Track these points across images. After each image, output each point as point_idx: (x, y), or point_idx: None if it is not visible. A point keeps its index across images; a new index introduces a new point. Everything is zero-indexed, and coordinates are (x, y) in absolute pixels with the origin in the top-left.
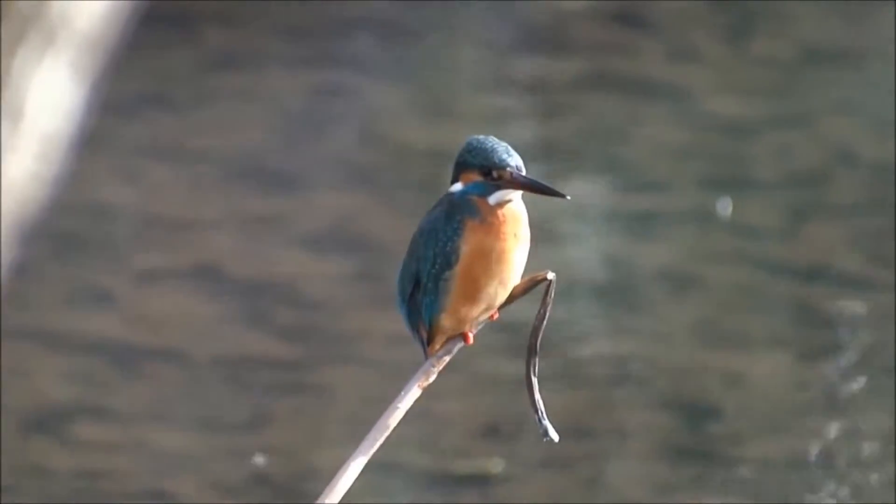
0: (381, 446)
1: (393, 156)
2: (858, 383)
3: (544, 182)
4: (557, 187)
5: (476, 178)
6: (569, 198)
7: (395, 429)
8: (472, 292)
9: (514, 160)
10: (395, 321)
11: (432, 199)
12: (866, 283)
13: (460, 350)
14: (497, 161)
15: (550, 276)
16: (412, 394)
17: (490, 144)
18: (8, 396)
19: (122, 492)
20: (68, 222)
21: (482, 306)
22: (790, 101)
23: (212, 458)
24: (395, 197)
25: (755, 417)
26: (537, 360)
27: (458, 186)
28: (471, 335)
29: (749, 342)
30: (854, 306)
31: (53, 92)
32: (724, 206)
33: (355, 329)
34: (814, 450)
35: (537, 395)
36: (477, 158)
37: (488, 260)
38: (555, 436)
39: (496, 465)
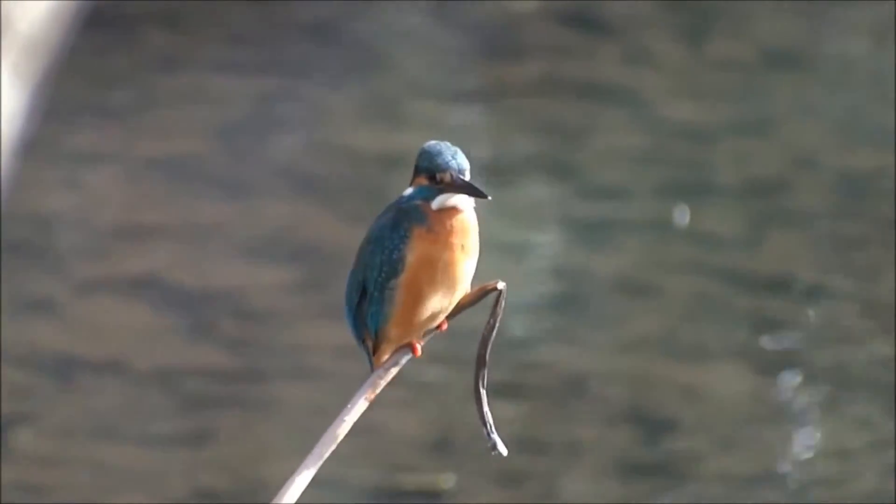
0: (328, 460)
1: (340, 162)
2: (817, 396)
3: (474, 185)
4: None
5: (424, 182)
6: (489, 198)
7: (341, 442)
8: (418, 302)
9: (458, 163)
10: (342, 332)
11: (379, 206)
12: (826, 293)
13: (408, 361)
14: (440, 164)
15: (501, 285)
16: (359, 406)
17: (438, 149)
18: None
19: None
20: (7, 230)
21: (428, 316)
22: (749, 105)
23: (155, 472)
24: (342, 204)
25: (712, 431)
26: (486, 371)
27: (407, 191)
28: (419, 346)
29: (707, 354)
30: (814, 317)
31: None
32: (682, 214)
33: (301, 340)
34: (772, 464)
35: (486, 408)
36: (424, 162)
37: (434, 269)
38: (503, 450)
39: (446, 480)
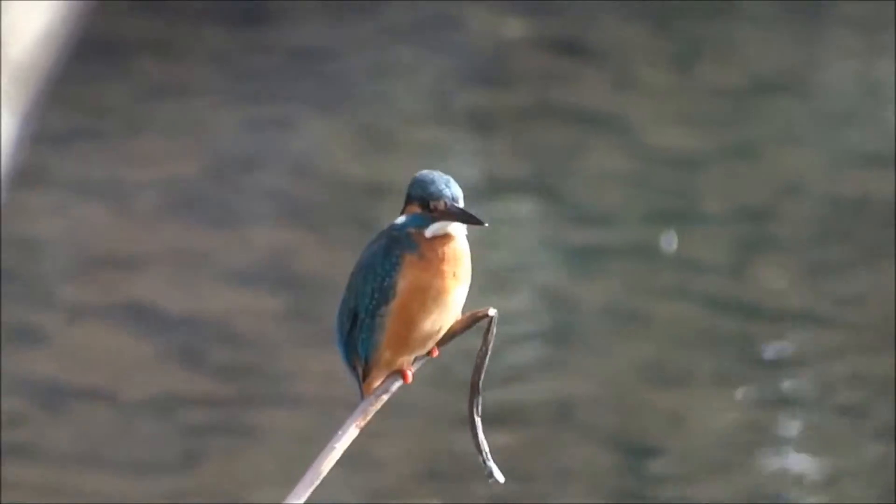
0: (317, 488)
1: (328, 189)
2: (804, 422)
3: (469, 212)
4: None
5: (416, 210)
6: (486, 224)
7: (331, 470)
8: (409, 329)
9: (451, 191)
10: (331, 359)
11: (367, 234)
12: (813, 320)
13: (399, 388)
14: (433, 192)
15: (492, 312)
16: (349, 434)
17: (431, 177)
18: None
19: None
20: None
21: (419, 343)
22: (736, 131)
23: (143, 499)
24: (330, 232)
25: (699, 458)
26: (480, 398)
27: (400, 219)
28: (409, 373)
29: (694, 381)
30: (800, 344)
31: None
32: (669, 241)
33: (290, 367)
34: (759, 489)
35: (481, 436)
36: (417, 190)
37: (425, 296)
38: (500, 477)
39: None
